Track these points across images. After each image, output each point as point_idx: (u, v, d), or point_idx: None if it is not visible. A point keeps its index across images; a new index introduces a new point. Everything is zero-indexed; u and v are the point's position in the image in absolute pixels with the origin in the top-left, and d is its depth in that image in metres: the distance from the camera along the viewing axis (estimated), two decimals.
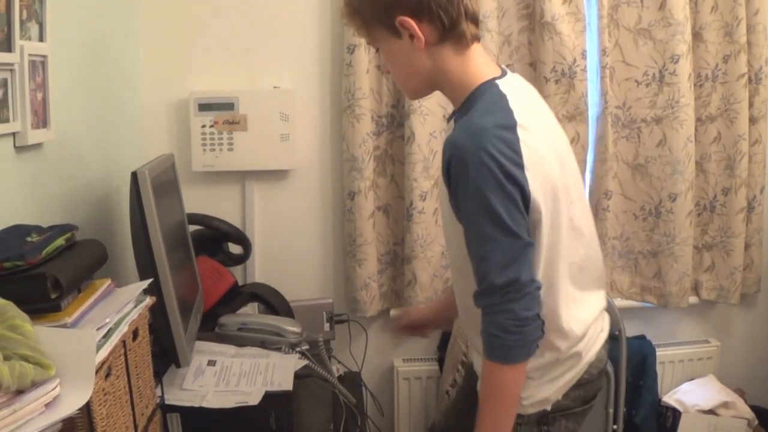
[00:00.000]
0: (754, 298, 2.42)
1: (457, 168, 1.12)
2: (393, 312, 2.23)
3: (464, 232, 1.16)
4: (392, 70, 1.30)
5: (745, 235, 2.30)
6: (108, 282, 1.14)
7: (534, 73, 2.16)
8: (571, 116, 2.16)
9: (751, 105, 2.28)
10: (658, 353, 2.28)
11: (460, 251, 1.19)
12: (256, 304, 2.05)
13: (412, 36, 1.19)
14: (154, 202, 1.33)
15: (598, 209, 2.22)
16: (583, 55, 2.14)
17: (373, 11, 1.21)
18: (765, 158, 2.31)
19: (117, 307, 1.08)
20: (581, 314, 1.28)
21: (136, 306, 1.13)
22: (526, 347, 1.14)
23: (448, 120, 1.31)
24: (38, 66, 1.31)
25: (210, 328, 1.76)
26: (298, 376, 1.51)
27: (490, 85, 1.20)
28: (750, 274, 2.34)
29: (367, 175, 2.09)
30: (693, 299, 2.33)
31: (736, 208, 2.27)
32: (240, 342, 1.67)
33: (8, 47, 1.18)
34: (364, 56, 2.06)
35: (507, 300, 1.12)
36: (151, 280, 1.25)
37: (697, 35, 2.26)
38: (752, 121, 2.28)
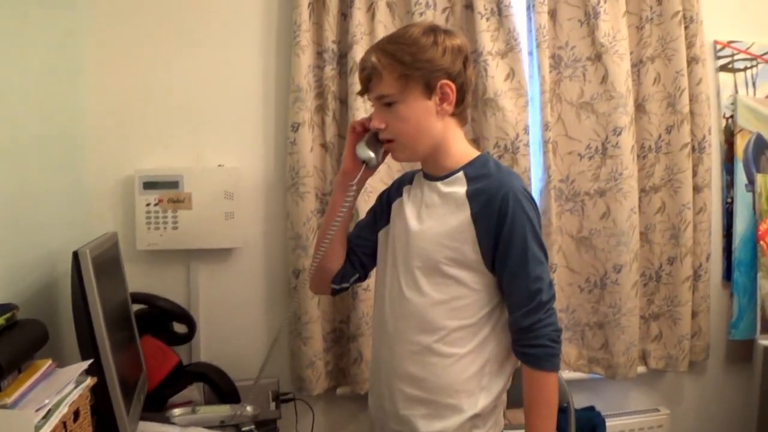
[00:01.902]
0: (703, 365, 2.48)
1: (515, 203, 1.35)
2: (339, 390, 2.23)
3: (511, 260, 1.36)
4: (400, 127, 1.41)
5: (692, 304, 2.36)
6: (49, 362, 1.16)
7: (477, 148, 2.17)
8: None
9: (695, 174, 2.35)
10: (608, 424, 2.33)
11: (444, 307, 1.39)
12: (201, 384, 2.04)
13: (442, 100, 1.38)
14: (96, 282, 1.34)
15: None
16: (526, 130, 2.20)
17: (423, 68, 1.37)
18: (710, 227, 2.39)
19: (57, 388, 1.10)
20: None
21: (77, 387, 1.15)
22: (560, 356, 1.40)
23: (431, 180, 1.47)
24: None
25: (154, 409, 1.78)
26: None
27: (490, 155, 1.48)
28: (698, 341, 2.39)
29: (312, 253, 2.09)
30: (641, 369, 2.39)
31: (682, 276, 2.32)
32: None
33: None
34: (308, 134, 2.11)
35: (549, 315, 1.36)
36: (91, 360, 1.27)
37: (639, 107, 2.34)
38: (696, 189, 2.35)
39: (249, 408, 1.74)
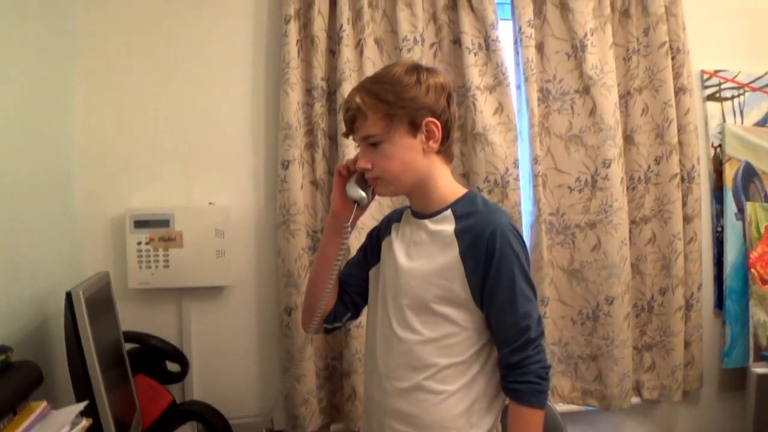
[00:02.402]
0: (697, 394, 2.49)
1: (503, 241, 1.36)
2: (333, 427, 2.22)
3: (499, 297, 1.36)
4: (385, 165, 1.42)
5: (685, 333, 2.37)
6: (44, 404, 1.17)
7: (467, 183, 2.20)
8: None
9: (684, 204, 2.36)
10: None
11: (434, 345, 1.39)
12: (195, 423, 2.03)
13: (428, 138, 1.40)
14: (89, 322, 1.36)
15: None
16: (516, 164, 2.21)
17: (408, 106, 1.38)
18: (701, 256, 2.40)
19: (53, 431, 1.11)
20: None
21: (72, 429, 1.16)
22: (548, 393, 1.40)
23: (419, 217, 1.48)
24: None
25: None
26: None
27: (478, 192, 1.50)
28: (691, 371, 2.40)
29: (304, 290, 2.09)
30: (635, 399, 2.40)
31: (674, 306, 2.33)
32: None
33: None
34: (299, 172, 2.12)
35: (538, 352, 1.36)
36: (86, 402, 1.27)
37: (628, 138, 2.35)
38: (686, 220, 2.36)
39: None
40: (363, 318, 1.70)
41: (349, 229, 1.50)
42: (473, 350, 1.41)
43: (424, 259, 1.43)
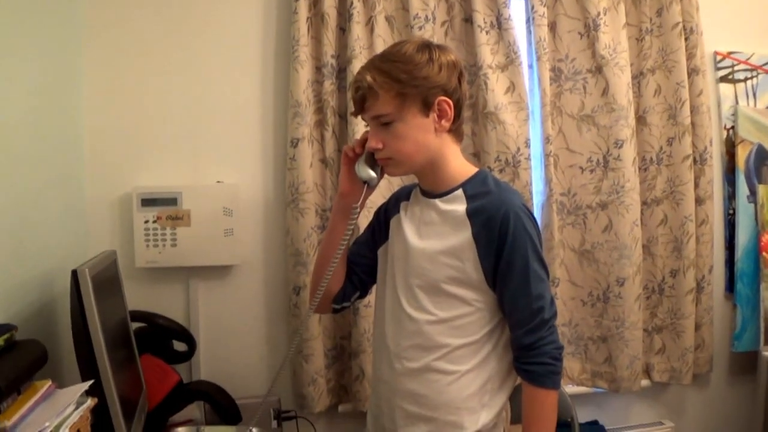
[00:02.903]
0: (707, 377, 2.48)
1: (516, 222, 1.34)
2: (341, 408, 2.21)
3: (513, 278, 1.35)
4: (397, 145, 1.39)
5: (695, 316, 2.36)
6: (48, 383, 1.16)
7: (478, 162, 2.18)
8: None
9: (696, 186, 2.35)
10: None
11: (444, 325, 1.38)
12: (202, 403, 2.02)
13: (440, 117, 1.38)
14: (95, 301, 1.34)
15: None
16: (527, 144, 2.19)
17: (420, 85, 1.36)
18: (712, 238, 2.38)
19: (57, 410, 1.09)
20: None
21: (77, 408, 1.15)
22: (561, 374, 1.40)
23: (429, 197, 1.46)
24: None
25: (155, 428, 1.76)
26: None
27: (488, 172, 1.48)
28: (701, 354, 2.38)
29: (311, 270, 2.07)
30: (645, 382, 2.39)
31: (685, 289, 2.32)
32: None
33: None
34: (308, 150, 2.10)
35: (551, 333, 1.36)
36: (92, 381, 1.26)
37: (640, 119, 2.33)
38: (698, 201, 2.34)
39: (254, 430, 1.72)
40: (371, 297, 1.69)
41: (359, 209, 1.48)
42: (485, 330, 1.40)
43: (435, 239, 1.41)
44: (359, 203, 1.48)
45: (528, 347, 1.35)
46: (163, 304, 2.09)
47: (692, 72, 2.32)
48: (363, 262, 1.62)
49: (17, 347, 1.18)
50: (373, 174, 1.46)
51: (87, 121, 2.09)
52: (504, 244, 1.34)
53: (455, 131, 1.45)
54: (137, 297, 2.02)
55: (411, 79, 1.35)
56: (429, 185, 1.47)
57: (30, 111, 1.67)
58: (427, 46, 1.40)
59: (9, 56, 1.53)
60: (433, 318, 1.40)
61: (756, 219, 2.45)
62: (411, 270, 1.43)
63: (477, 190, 1.41)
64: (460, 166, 1.46)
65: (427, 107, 1.37)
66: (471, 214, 1.38)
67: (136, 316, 1.97)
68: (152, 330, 2.03)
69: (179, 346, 2.07)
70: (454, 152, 1.45)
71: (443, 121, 1.39)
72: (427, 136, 1.39)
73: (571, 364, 2.34)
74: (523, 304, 1.35)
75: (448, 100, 1.38)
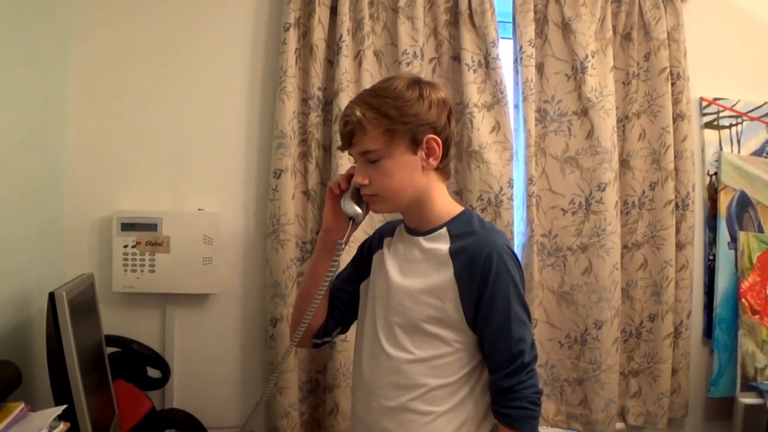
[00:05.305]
0: (682, 422, 2.48)
1: (499, 263, 1.33)
2: None
3: (493, 320, 1.33)
4: (384, 182, 1.38)
5: (672, 360, 2.36)
6: (21, 406, 1.16)
7: (460, 201, 2.17)
8: None
9: (678, 231, 2.35)
10: None
11: (427, 365, 1.36)
12: (173, 431, 2.01)
13: (428, 155, 1.37)
14: (71, 324, 1.35)
15: None
16: (510, 184, 2.19)
17: (410, 122, 1.35)
18: (692, 283, 2.38)
19: None
20: None
21: None
22: (539, 419, 1.37)
23: (414, 234, 1.45)
24: None
25: None
26: None
27: (473, 212, 1.46)
28: (677, 398, 2.38)
29: (290, 302, 2.08)
30: (620, 425, 2.38)
31: (663, 333, 2.32)
32: None
33: None
34: (291, 181, 2.09)
35: (530, 377, 1.33)
36: (65, 406, 1.26)
37: (624, 162, 2.33)
38: (679, 246, 2.34)
39: None
40: (348, 332, 1.67)
41: (343, 245, 1.46)
42: (464, 371, 1.38)
43: (417, 277, 1.39)
44: (344, 239, 1.45)
45: (506, 390, 1.33)
46: (139, 330, 2.08)
47: (677, 117, 2.33)
48: (345, 297, 1.60)
49: None
50: (359, 210, 1.44)
51: (70, 142, 2.07)
52: (486, 285, 1.32)
53: (442, 169, 1.43)
54: (113, 322, 2.01)
55: (401, 116, 1.34)
56: (414, 222, 1.46)
57: (12, 131, 1.65)
58: (417, 83, 1.38)
59: None
60: (411, 357, 1.37)
61: (736, 265, 2.44)
62: (391, 308, 1.41)
63: (461, 229, 1.39)
64: (445, 204, 1.44)
65: (415, 144, 1.36)
66: (454, 253, 1.36)
67: (112, 340, 1.97)
68: (127, 355, 2.02)
69: (153, 372, 2.06)
70: (440, 190, 1.43)
71: (431, 159, 1.37)
72: (414, 173, 1.38)
73: (546, 406, 2.32)
74: (503, 346, 1.33)
75: (437, 138, 1.36)
